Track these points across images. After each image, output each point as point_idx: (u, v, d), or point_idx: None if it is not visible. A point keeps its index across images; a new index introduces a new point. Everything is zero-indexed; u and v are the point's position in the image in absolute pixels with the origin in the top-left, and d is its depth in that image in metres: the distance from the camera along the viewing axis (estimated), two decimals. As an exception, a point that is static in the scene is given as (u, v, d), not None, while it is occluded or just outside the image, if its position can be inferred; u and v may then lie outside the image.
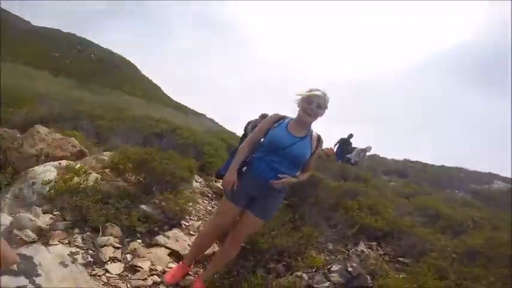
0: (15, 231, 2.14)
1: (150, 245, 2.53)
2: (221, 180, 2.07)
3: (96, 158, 3.49)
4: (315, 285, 2.48)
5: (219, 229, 2.20)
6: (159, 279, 2.20)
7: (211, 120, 30.38)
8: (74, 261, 2.09)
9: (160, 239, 2.59)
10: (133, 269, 2.24)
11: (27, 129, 4.18)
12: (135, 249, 2.42)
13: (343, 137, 10.62)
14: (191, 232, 2.91)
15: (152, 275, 2.24)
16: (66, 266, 2.02)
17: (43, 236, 2.20)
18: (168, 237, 2.63)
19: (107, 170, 3.17)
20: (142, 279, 2.15)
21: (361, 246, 3.53)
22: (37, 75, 16.28)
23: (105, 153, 3.71)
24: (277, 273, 2.63)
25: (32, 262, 1.89)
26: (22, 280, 1.76)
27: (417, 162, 16.50)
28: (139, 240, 2.54)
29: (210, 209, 3.73)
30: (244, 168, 2.02)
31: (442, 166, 16.01)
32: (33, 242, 2.11)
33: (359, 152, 10.33)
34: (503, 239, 3.04)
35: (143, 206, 2.78)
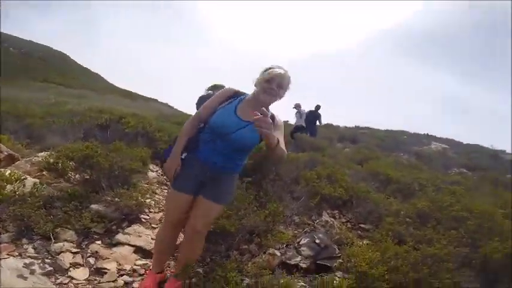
0: None
1: (111, 245, 2.41)
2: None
3: (30, 161, 3.11)
4: (288, 261, 2.55)
5: (174, 227, 1.97)
6: (130, 279, 2.13)
7: (165, 105, 28.83)
8: (33, 272, 1.93)
9: (120, 237, 2.48)
10: (99, 271, 2.13)
11: None
12: (96, 251, 2.29)
13: (311, 109, 10.28)
14: (153, 225, 2.81)
15: (121, 275, 2.15)
16: (26, 278, 1.86)
17: None
18: (128, 234, 2.53)
19: (44, 173, 2.86)
20: (113, 281, 2.06)
21: (325, 216, 3.67)
22: None
23: (40, 154, 3.32)
24: (251, 254, 2.65)
25: None
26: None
27: (367, 128, 17.81)
28: (99, 242, 2.40)
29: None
30: (185, 153, 1.79)
31: (388, 130, 17.53)
32: None
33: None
34: (446, 201, 3.33)
35: (94, 206, 2.60)
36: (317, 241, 2.70)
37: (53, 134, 4.50)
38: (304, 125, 9.62)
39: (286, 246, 2.78)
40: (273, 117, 1.71)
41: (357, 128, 17.61)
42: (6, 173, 2.63)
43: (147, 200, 3.08)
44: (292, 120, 10.29)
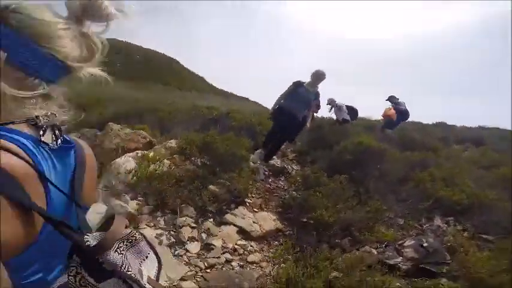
0: None
1: (220, 223, 2.73)
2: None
3: (164, 146, 3.84)
4: (386, 260, 2.40)
5: None
6: (230, 257, 2.38)
7: (255, 103, 30.60)
8: (160, 242, 2.38)
9: (228, 217, 2.78)
10: (208, 247, 2.45)
11: (102, 128, 4.80)
12: (208, 228, 2.64)
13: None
14: (254, 209, 3.06)
15: (224, 252, 2.43)
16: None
17: (133, 221, 2.53)
18: (235, 215, 2.81)
19: (175, 156, 3.48)
20: (217, 257, 2.35)
21: (437, 221, 3.28)
22: (98, 81, 18.14)
23: (170, 141, 4.06)
24: (342, 248, 2.60)
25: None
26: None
27: (494, 128, 14.21)
28: (211, 219, 2.75)
29: (268, 186, 3.84)
30: None
31: None
32: (126, 226, 2.46)
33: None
34: None
35: (211, 187, 3.01)
36: (425, 245, 2.48)
37: (177, 125, 5.41)
38: (348, 118, 7.97)
39: (386, 246, 2.63)
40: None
41: (481, 128, 14.23)
42: (150, 154, 3.32)
43: (250, 186, 3.34)
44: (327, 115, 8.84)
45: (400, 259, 2.41)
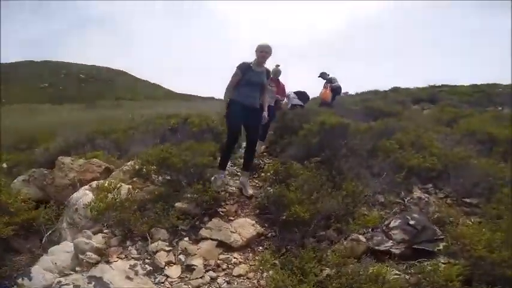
0: (79, 256, 2.28)
1: (196, 241, 2.56)
2: None
3: (121, 170, 3.57)
4: (376, 247, 2.24)
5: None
6: (214, 274, 2.24)
7: (221, 101, 30.06)
8: (136, 273, 2.19)
9: (203, 232, 2.61)
10: (189, 268, 2.28)
11: (53, 164, 4.37)
12: (185, 248, 2.46)
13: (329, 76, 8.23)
14: (230, 218, 2.88)
15: (207, 271, 2.27)
16: (131, 279, 2.13)
17: (102, 255, 2.31)
18: (210, 228, 2.65)
19: (135, 179, 3.23)
20: (200, 277, 2.19)
21: (416, 192, 3.15)
22: (41, 109, 16.80)
23: (128, 163, 3.77)
24: (329, 241, 2.44)
25: (104, 282, 2.04)
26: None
27: (444, 85, 15.14)
28: (186, 238, 2.58)
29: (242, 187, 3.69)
30: None
31: (474, 85, 14.54)
32: (98, 262, 2.24)
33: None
34: None
35: (178, 204, 2.81)
36: (411, 222, 2.35)
37: (135, 143, 5.08)
38: (299, 103, 7.75)
39: (373, 230, 2.48)
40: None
41: (433, 87, 15.03)
42: (105, 184, 3.05)
43: (222, 193, 3.19)
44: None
45: (390, 243, 2.26)
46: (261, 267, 2.13)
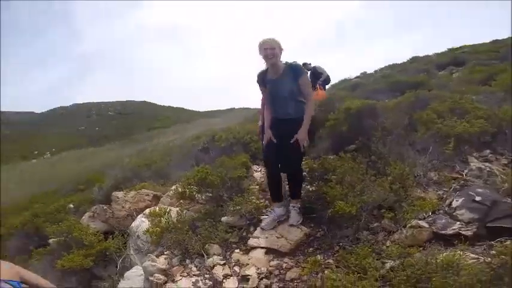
0: (150, 277, 2.54)
1: (247, 251, 2.63)
2: None
3: (168, 195, 3.92)
4: (442, 232, 2.01)
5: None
6: (268, 281, 2.28)
7: (244, 109, 30.66)
8: None
9: (251, 241, 2.68)
10: (244, 279, 2.35)
11: (109, 199, 4.91)
12: (238, 259, 2.56)
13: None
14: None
15: (261, 279, 2.32)
16: None
17: (168, 275, 2.53)
18: (257, 237, 2.70)
19: (181, 201, 3.54)
20: (255, 286, 2.25)
21: (474, 163, 2.75)
22: (86, 153, 18.51)
23: (171, 188, 4.12)
24: (386, 231, 2.25)
25: None
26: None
27: (464, 46, 13.88)
28: (238, 250, 2.67)
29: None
30: None
31: (495, 40, 13.18)
32: (165, 282, 2.48)
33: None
34: None
35: (224, 218, 2.99)
36: (477, 198, 2.06)
37: (174, 168, 5.48)
38: None
39: (434, 213, 2.20)
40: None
41: (453, 49, 13.90)
42: (157, 209, 3.40)
43: (261, 201, 3.24)
44: None
45: (458, 225, 2.00)
46: (314, 269, 2.06)
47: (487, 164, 2.74)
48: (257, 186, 3.65)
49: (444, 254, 1.65)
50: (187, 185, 3.28)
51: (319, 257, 2.18)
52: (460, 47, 14.12)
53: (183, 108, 39.27)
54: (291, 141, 2.48)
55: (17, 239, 5.07)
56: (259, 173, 4.48)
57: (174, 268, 2.62)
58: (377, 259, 1.90)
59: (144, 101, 41.17)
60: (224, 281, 2.39)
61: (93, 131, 31.97)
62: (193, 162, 5.21)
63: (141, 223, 3.46)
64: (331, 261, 2.13)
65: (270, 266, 2.45)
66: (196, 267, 2.61)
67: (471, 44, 14.11)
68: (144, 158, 7.34)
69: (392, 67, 13.46)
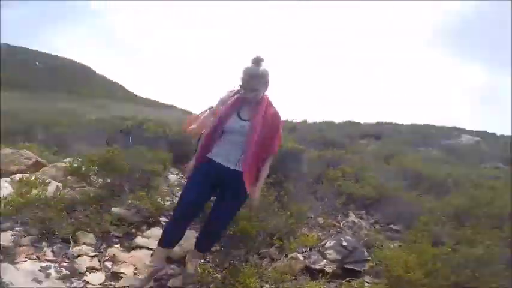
0: None
1: (130, 249, 2.40)
2: None
3: (55, 166, 3.22)
4: (312, 266, 2.41)
5: None
6: (143, 283, 2.07)
7: (183, 110, 29.60)
8: (48, 276, 1.96)
9: (139, 240, 2.46)
10: (116, 276, 2.11)
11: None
12: (114, 255, 2.28)
13: None
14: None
15: (138, 280, 2.10)
16: (40, 282, 1.90)
17: (8, 254, 2.03)
18: (148, 237, 2.50)
19: (69, 177, 2.94)
20: (128, 286, 2.03)
21: (351, 217, 3.51)
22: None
23: (65, 160, 3.43)
24: (271, 258, 2.57)
25: (3, 283, 1.78)
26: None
27: (390, 123, 16.89)
28: (118, 245, 2.40)
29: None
30: None
31: (414, 124, 16.54)
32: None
33: None
34: (485, 197, 3.11)
35: (115, 209, 2.62)
36: (344, 244, 2.55)
37: (79, 141, 4.68)
38: None
39: (310, 249, 2.65)
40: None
41: (379, 124, 16.78)
42: (32, 178, 2.73)
43: (167, 203, 3.04)
44: None
45: (324, 262, 2.44)
46: (199, 280, 2.08)
47: (359, 220, 3.50)
48: (167, 187, 3.37)
49: (309, 285, 2.00)
50: (88, 162, 2.76)
51: (210, 268, 2.19)
52: (387, 123, 16.87)
53: (122, 86, 35.79)
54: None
55: None
56: (175, 176, 4.19)
57: (21, 248, 2.13)
58: (258, 282, 2.09)
59: (86, 66, 36.30)
60: (87, 273, 2.07)
61: (9, 75, 26.29)
62: (104, 142, 4.54)
63: (3, 188, 2.72)
64: (218, 276, 2.18)
65: (152, 269, 2.20)
66: (54, 252, 2.18)
67: (397, 122, 17.02)
68: (47, 117, 6.11)
69: (330, 124, 15.01)
